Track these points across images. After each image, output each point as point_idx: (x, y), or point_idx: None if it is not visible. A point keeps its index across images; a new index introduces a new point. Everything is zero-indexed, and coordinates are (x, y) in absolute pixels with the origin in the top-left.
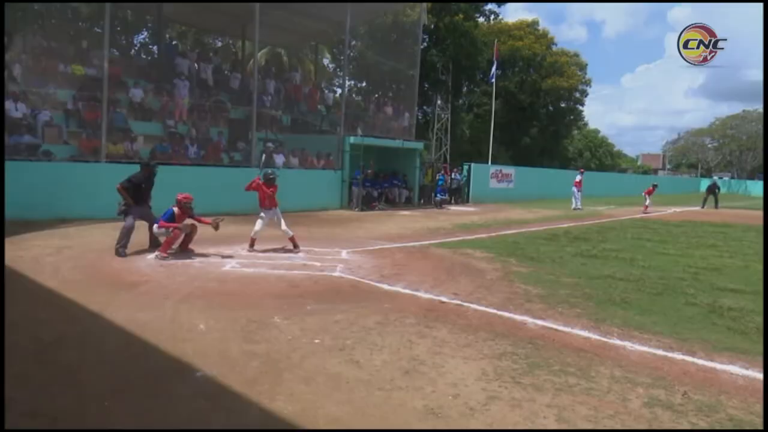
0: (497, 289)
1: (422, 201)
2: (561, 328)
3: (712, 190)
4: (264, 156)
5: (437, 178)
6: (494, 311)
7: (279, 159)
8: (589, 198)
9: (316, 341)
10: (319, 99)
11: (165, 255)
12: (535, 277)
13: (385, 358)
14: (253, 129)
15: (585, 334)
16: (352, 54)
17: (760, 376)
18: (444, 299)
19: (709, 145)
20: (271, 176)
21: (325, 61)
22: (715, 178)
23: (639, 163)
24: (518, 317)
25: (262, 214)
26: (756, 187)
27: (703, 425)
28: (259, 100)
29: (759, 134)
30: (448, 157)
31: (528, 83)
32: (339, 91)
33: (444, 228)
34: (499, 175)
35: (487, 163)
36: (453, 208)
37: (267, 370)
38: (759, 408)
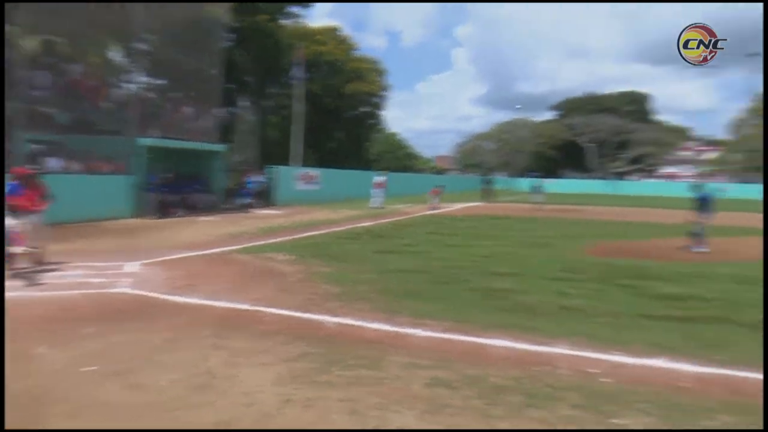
0: (298, 291)
1: (227, 206)
2: (357, 323)
3: (487, 186)
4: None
5: (244, 181)
6: (293, 314)
7: (55, 163)
8: (392, 197)
9: (91, 369)
10: (106, 95)
11: None
12: (336, 277)
13: (174, 377)
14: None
15: (379, 326)
16: (146, 48)
17: (519, 346)
18: (243, 307)
19: (489, 148)
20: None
21: (116, 56)
22: (489, 177)
23: (433, 164)
24: (317, 317)
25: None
26: (525, 184)
27: (471, 395)
28: (26, 94)
29: (527, 138)
30: (255, 159)
31: (332, 87)
32: (131, 87)
33: (248, 232)
34: (306, 177)
35: (295, 165)
36: (259, 211)
37: (20, 410)
38: (516, 373)
